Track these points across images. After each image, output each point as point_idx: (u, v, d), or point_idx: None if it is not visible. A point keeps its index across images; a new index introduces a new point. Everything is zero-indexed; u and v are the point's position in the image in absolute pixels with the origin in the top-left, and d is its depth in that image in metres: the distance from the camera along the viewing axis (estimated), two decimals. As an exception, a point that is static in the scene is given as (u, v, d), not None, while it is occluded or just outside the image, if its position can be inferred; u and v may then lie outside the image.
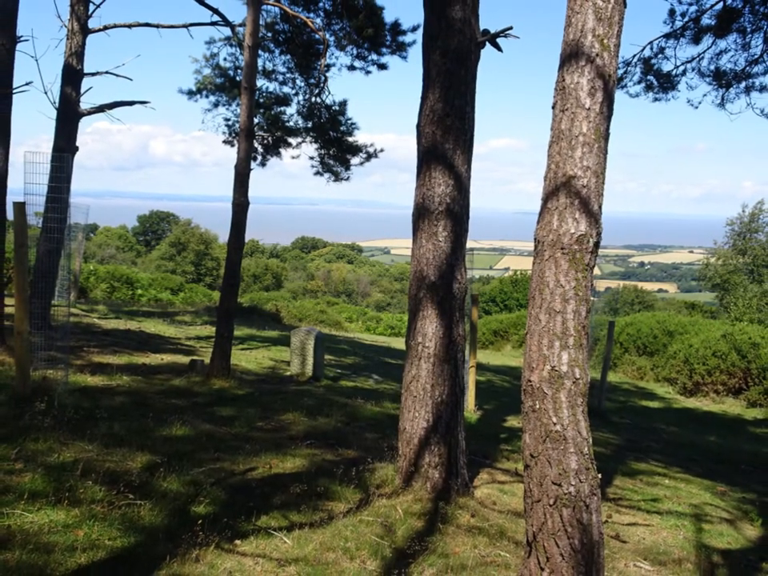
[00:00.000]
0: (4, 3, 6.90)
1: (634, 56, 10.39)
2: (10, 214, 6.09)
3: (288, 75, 12.70)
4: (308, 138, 13.08)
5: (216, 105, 12.78)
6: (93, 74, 9.82)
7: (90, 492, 3.66)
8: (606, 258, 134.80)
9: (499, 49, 4.88)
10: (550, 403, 2.93)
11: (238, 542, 3.44)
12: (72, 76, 9.35)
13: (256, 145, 12.67)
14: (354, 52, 12.02)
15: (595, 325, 16.80)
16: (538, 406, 2.97)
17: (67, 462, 4.03)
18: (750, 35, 9.54)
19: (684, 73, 10.22)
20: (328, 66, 12.08)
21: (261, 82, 12.41)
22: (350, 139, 12.95)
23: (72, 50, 9.27)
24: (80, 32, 9.32)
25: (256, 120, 11.61)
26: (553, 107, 3.09)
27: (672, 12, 9.81)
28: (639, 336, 16.15)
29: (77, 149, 9.68)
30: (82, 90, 9.56)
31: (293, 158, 13.28)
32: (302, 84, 12.82)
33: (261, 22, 9.04)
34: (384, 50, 11.85)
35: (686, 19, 9.74)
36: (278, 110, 13.05)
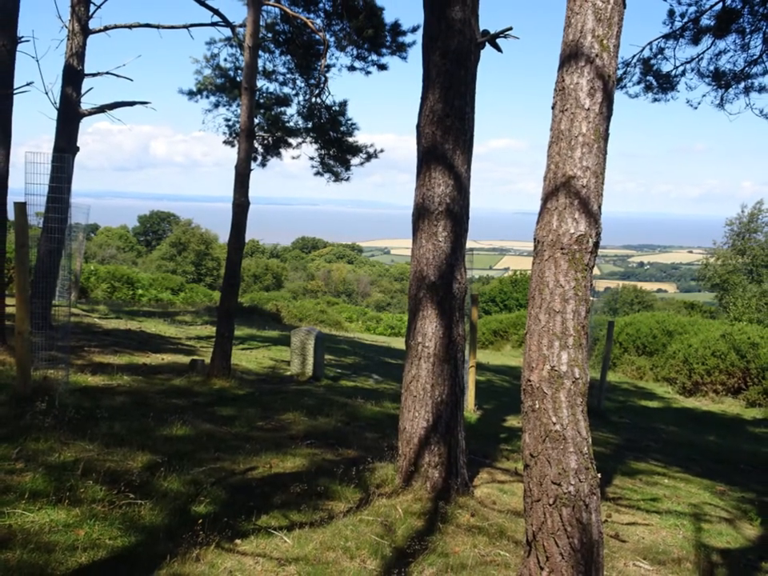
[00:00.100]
0: (5, 4, 6.91)
1: (634, 56, 10.41)
2: (11, 214, 6.10)
3: (288, 76, 12.72)
4: (308, 139, 13.09)
5: (216, 105, 12.80)
6: (93, 75, 9.84)
7: (91, 491, 3.67)
8: (605, 258, 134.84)
9: (499, 49, 4.89)
10: (550, 403, 2.94)
11: (238, 541, 3.45)
12: (73, 76, 9.37)
13: (256, 145, 12.68)
14: (354, 52, 12.05)
15: (595, 325, 16.82)
16: (537, 406, 2.98)
17: (68, 462, 4.04)
18: (749, 36, 9.55)
19: (683, 73, 10.23)
20: (328, 67, 12.10)
21: (261, 83, 12.43)
22: (350, 139, 12.97)
23: (73, 50, 9.29)
24: (81, 33, 9.34)
25: (256, 120, 11.61)
26: (552, 107, 3.10)
27: (671, 13, 9.82)
28: (638, 336, 16.16)
29: (77, 149, 9.70)
30: (83, 91, 9.58)
31: (293, 158, 13.31)
32: (303, 84, 12.84)
33: (261, 23, 9.05)
34: (384, 50, 11.87)
35: (686, 20, 9.75)
36: (279, 110, 13.07)
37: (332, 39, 11.82)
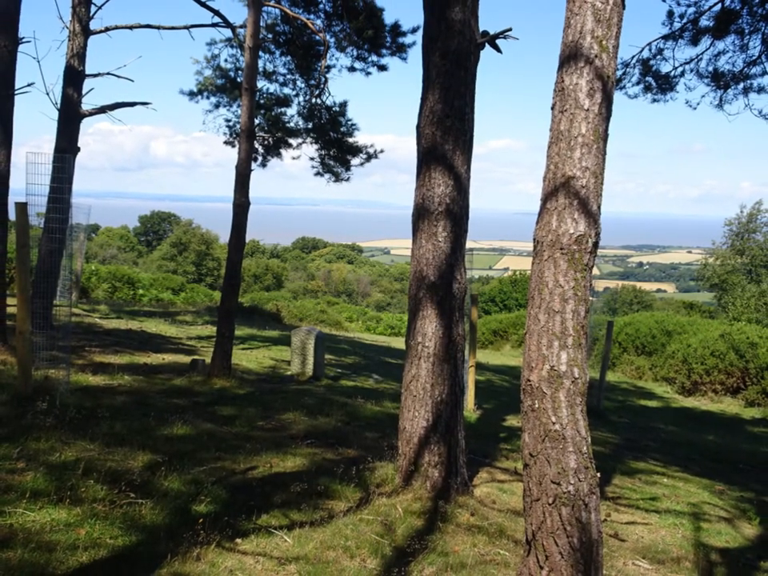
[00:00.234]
0: (6, 4, 6.92)
1: (633, 57, 10.42)
2: (12, 214, 6.11)
3: (288, 76, 12.74)
4: (308, 139, 13.11)
5: (217, 106, 12.82)
6: (94, 76, 9.86)
7: (92, 491, 3.68)
8: (604, 258, 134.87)
9: (498, 50, 4.90)
10: (549, 402, 2.95)
11: (238, 540, 3.46)
12: (74, 77, 9.38)
13: (257, 146, 12.70)
14: (354, 53, 12.06)
15: (594, 324, 16.84)
16: (537, 406, 2.99)
17: (69, 461, 4.05)
18: (748, 36, 9.56)
19: (682, 74, 10.25)
20: (328, 68, 12.12)
21: (261, 83, 12.45)
22: (350, 140, 12.99)
23: (74, 51, 9.31)
24: (81, 33, 9.36)
25: (257, 121, 11.63)
26: (552, 108, 3.11)
27: (670, 13, 9.83)
28: (638, 336, 16.18)
29: (78, 149, 9.72)
30: (84, 91, 9.60)
31: (293, 158, 13.33)
32: (303, 85, 12.86)
33: (261, 24, 9.06)
34: (384, 51, 11.89)
35: (685, 21, 9.77)
36: (279, 110, 13.08)
37: (332, 40, 11.84)
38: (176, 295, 20.66)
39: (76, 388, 5.92)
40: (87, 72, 9.62)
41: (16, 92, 7.10)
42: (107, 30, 10.05)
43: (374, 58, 12.02)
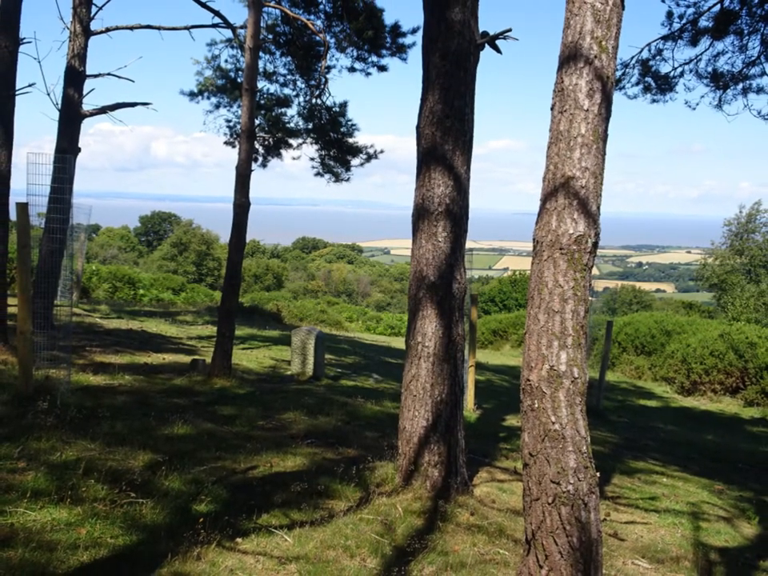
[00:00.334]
0: (6, 5, 6.94)
1: (632, 58, 10.44)
2: (13, 215, 6.13)
3: (289, 77, 12.76)
4: (308, 139, 13.13)
5: (217, 106, 12.83)
6: (95, 76, 9.86)
7: (93, 490, 3.69)
8: (604, 258, 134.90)
9: (498, 51, 4.91)
10: (549, 402, 2.96)
11: (239, 540, 3.46)
12: (74, 78, 9.39)
13: (257, 146, 12.71)
14: (355, 54, 12.08)
15: (593, 324, 16.85)
16: (536, 405, 3.00)
17: (70, 461, 4.06)
18: (747, 37, 9.57)
19: (682, 74, 10.26)
20: (328, 68, 12.13)
21: (262, 84, 12.47)
22: (350, 140, 13.00)
23: (74, 51, 9.32)
24: (82, 34, 9.36)
25: (257, 121, 11.65)
26: (552, 108, 3.12)
27: (670, 14, 9.84)
28: (637, 336, 16.19)
29: (79, 150, 9.72)
30: (85, 92, 9.61)
31: (293, 159, 13.35)
32: (303, 85, 12.88)
33: (262, 24, 9.07)
34: (384, 51, 11.90)
35: (684, 21, 9.78)
36: (279, 111, 13.10)
37: (332, 41, 11.85)
38: (176, 295, 20.67)
39: (77, 388, 5.93)
40: (88, 72, 9.63)
41: (17, 92, 7.11)
42: (108, 30, 10.06)
43: (374, 58, 12.05)
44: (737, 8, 9.50)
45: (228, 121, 13.06)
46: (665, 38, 10.02)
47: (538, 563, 2.95)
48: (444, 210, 4.58)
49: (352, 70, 12.27)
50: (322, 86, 12.31)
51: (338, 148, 13.06)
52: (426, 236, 4.62)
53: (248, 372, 8.70)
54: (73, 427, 4.74)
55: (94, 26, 9.67)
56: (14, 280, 8.61)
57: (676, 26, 9.85)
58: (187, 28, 10.95)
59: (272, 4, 10.40)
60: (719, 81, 9.98)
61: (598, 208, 3.03)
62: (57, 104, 9.36)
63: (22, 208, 5.21)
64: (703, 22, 9.80)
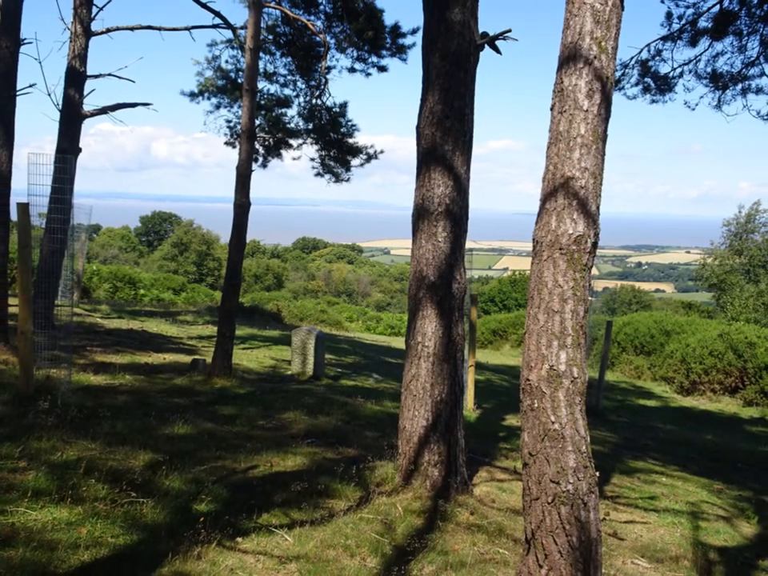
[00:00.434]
0: (7, 6, 6.95)
1: (632, 58, 10.45)
2: (13, 215, 6.14)
3: (289, 77, 12.77)
4: (309, 140, 13.14)
5: (218, 107, 12.84)
6: (96, 77, 9.87)
7: (93, 490, 3.69)
8: (603, 258, 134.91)
9: (498, 51, 4.92)
10: (549, 402, 2.97)
11: (239, 539, 3.47)
12: (75, 78, 9.40)
13: (257, 146, 12.72)
14: (355, 54, 12.09)
15: (593, 324, 16.86)
16: (536, 405, 3.01)
17: (70, 461, 4.06)
18: (746, 38, 9.59)
19: (681, 75, 10.27)
20: (328, 68, 12.15)
21: (262, 84, 12.48)
22: (351, 141, 13.01)
23: (75, 52, 9.32)
24: (83, 35, 9.37)
25: (257, 122, 11.65)
26: (551, 109, 3.13)
27: (669, 15, 9.85)
28: (637, 335, 16.20)
29: (80, 150, 9.73)
30: (85, 92, 9.61)
31: (294, 159, 13.37)
32: (303, 86, 12.89)
33: (262, 25, 9.09)
34: (384, 52, 11.92)
35: (683, 22, 9.79)
36: (279, 111, 13.11)
37: (332, 41, 11.87)
38: (177, 295, 20.67)
39: (77, 387, 5.94)
40: (88, 73, 9.64)
41: (18, 93, 7.12)
42: (108, 31, 10.07)
43: (374, 59, 12.06)
44: (736, 9, 9.51)
45: (228, 121, 13.08)
46: (664, 39, 10.03)
47: (538, 562, 2.96)
48: (444, 210, 4.59)
49: (352, 70, 12.29)
50: (322, 87, 12.32)
51: (338, 148, 13.08)
52: (425, 236, 4.63)
53: (248, 372, 8.71)
54: (73, 427, 4.75)
55: (95, 26, 9.69)
56: (15, 280, 8.62)
57: (675, 26, 9.87)
58: (188, 28, 10.96)
59: (272, 5, 10.42)
60: (718, 81, 9.99)
61: (598, 208, 3.04)
62: (57, 104, 9.38)
63: (23, 208, 5.22)
64: (702, 23, 9.82)
